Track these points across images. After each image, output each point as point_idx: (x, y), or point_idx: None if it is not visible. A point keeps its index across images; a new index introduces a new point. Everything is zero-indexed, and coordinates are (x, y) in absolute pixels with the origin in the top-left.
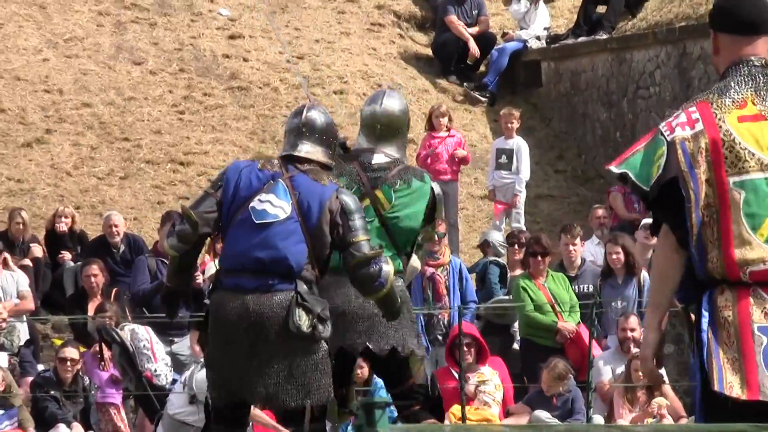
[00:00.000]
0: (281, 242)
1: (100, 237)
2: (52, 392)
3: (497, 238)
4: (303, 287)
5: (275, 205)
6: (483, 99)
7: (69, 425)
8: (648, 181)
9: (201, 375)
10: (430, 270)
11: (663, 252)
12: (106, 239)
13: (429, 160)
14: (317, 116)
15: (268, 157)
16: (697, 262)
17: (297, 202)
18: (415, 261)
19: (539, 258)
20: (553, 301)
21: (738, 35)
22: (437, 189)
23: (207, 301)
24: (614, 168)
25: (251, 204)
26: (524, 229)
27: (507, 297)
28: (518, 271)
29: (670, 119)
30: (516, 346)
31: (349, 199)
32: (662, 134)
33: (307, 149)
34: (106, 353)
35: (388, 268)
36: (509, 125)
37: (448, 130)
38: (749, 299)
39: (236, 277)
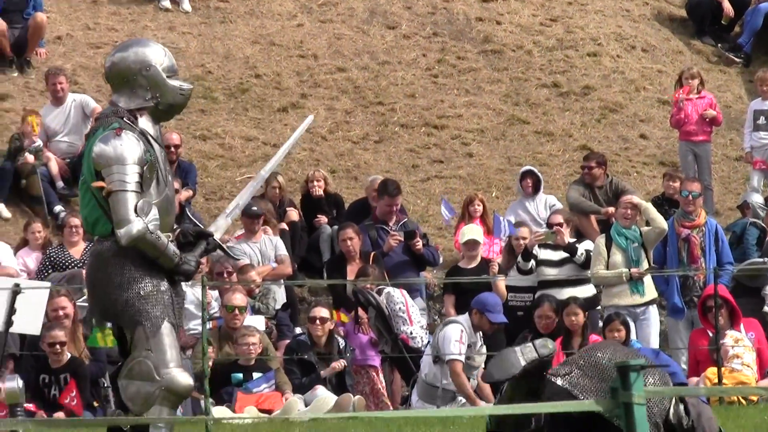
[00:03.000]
0: None
1: (362, 200)
2: (306, 356)
3: (758, 199)
4: None
5: None
6: (738, 60)
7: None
8: None
9: (445, 333)
10: (685, 231)
11: None
12: (367, 202)
13: (680, 122)
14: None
15: None
16: None
17: None
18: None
19: None
20: None
21: None
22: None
23: None
24: None
25: None
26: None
27: (761, 260)
28: None
29: None
30: (767, 308)
31: None
32: None
33: None
34: (363, 316)
35: None
36: (766, 87)
37: (699, 92)
38: None
39: None
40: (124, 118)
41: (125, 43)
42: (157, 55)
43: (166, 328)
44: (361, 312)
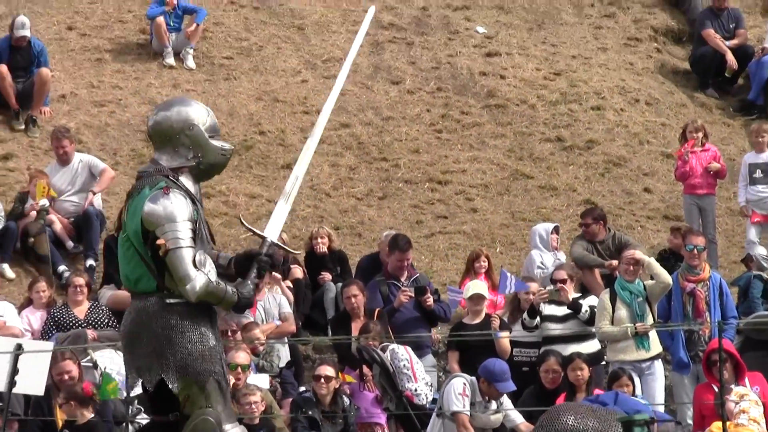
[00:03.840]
0: None
1: (373, 255)
2: (310, 412)
3: (761, 252)
4: None
5: None
6: (753, 117)
7: None
8: None
9: (448, 388)
10: (690, 285)
11: None
12: (377, 257)
13: (684, 175)
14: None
15: None
16: None
17: None
18: (664, 275)
19: None
20: None
21: None
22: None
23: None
24: None
25: None
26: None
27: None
28: None
29: None
30: None
31: None
32: None
33: None
34: (368, 374)
35: None
36: (760, 139)
37: (703, 145)
38: None
39: None
40: (169, 177)
41: (168, 101)
42: (200, 115)
43: (215, 385)
44: (365, 369)
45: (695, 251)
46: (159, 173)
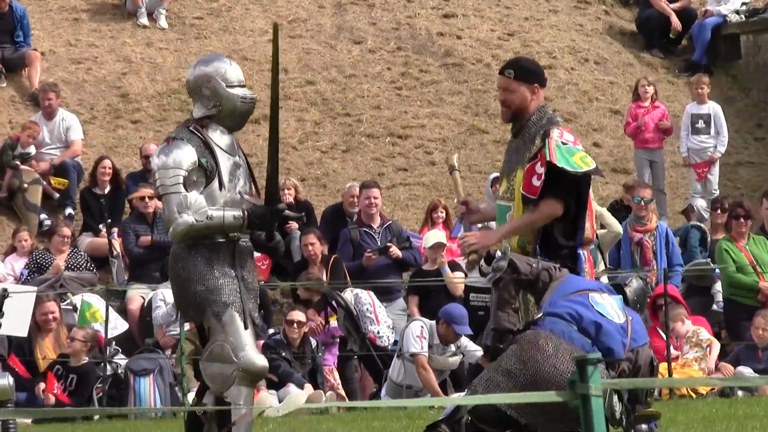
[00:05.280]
0: None
1: (336, 205)
2: (284, 354)
3: (701, 203)
4: None
5: None
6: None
7: (301, 385)
8: None
9: (407, 331)
10: (637, 235)
11: None
12: (341, 207)
13: (637, 130)
14: None
15: None
16: None
17: None
18: (615, 225)
19: (741, 220)
20: (755, 262)
21: None
22: None
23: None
24: None
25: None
26: (718, 193)
27: (706, 260)
28: (721, 235)
29: None
30: (715, 307)
31: None
32: None
33: None
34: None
35: None
36: (699, 90)
37: (653, 101)
38: None
39: None
40: (190, 127)
41: (197, 60)
42: (217, 68)
43: (234, 315)
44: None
45: (642, 203)
46: (183, 125)
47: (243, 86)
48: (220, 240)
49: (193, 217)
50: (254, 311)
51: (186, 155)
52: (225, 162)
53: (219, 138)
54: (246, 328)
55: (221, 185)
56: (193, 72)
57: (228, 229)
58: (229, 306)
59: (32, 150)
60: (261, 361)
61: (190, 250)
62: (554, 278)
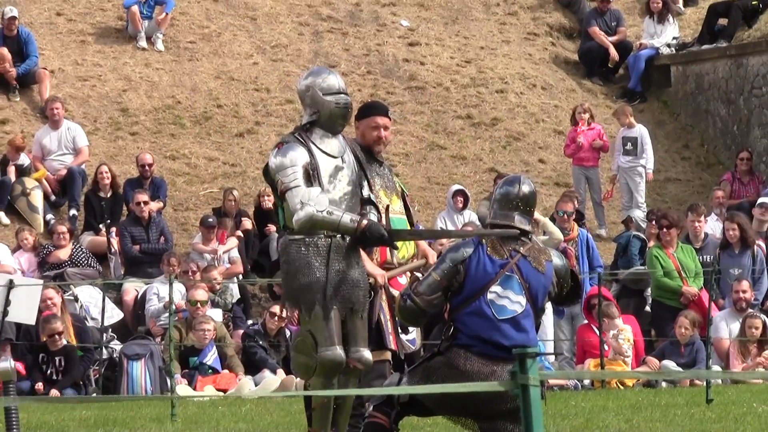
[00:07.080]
0: (522, 330)
1: None
2: (260, 342)
3: (639, 215)
4: None
5: (513, 301)
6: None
7: (275, 371)
8: None
9: None
10: (562, 245)
11: None
12: None
13: (574, 151)
14: (529, 189)
15: (490, 236)
16: None
17: (528, 292)
18: (556, 232)
19: (665, 230)
20: (681, 268)
21: None
22: None
23: None
24: None
25: (489, 297)
26: (644, 209)
27: (643, 267)
28: (654, 243)
29: None
30: (648, 308)
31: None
32: None
33: (519, 219)
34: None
35: None
36: (623, 118)
37: (589, 124)
38: None
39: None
40: (295, 134)
41: (305, 73)
42: (317, 79)
43: (320, 312)
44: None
45: (565, 216)
46: (290, 132)
47: (339, 93)
48: (320, 237)
49: (315, 208)
50: (357, 303)
51: (299, 154)
52: (325, 164)
53: (320, 141)
54: (327, 323)
55: (321, 186)
56: (299, 84)
57: (342, 229)
58: (315, 303)
59: (25, 161)
60: (336, 358)
61: (289, 246)
62: None
